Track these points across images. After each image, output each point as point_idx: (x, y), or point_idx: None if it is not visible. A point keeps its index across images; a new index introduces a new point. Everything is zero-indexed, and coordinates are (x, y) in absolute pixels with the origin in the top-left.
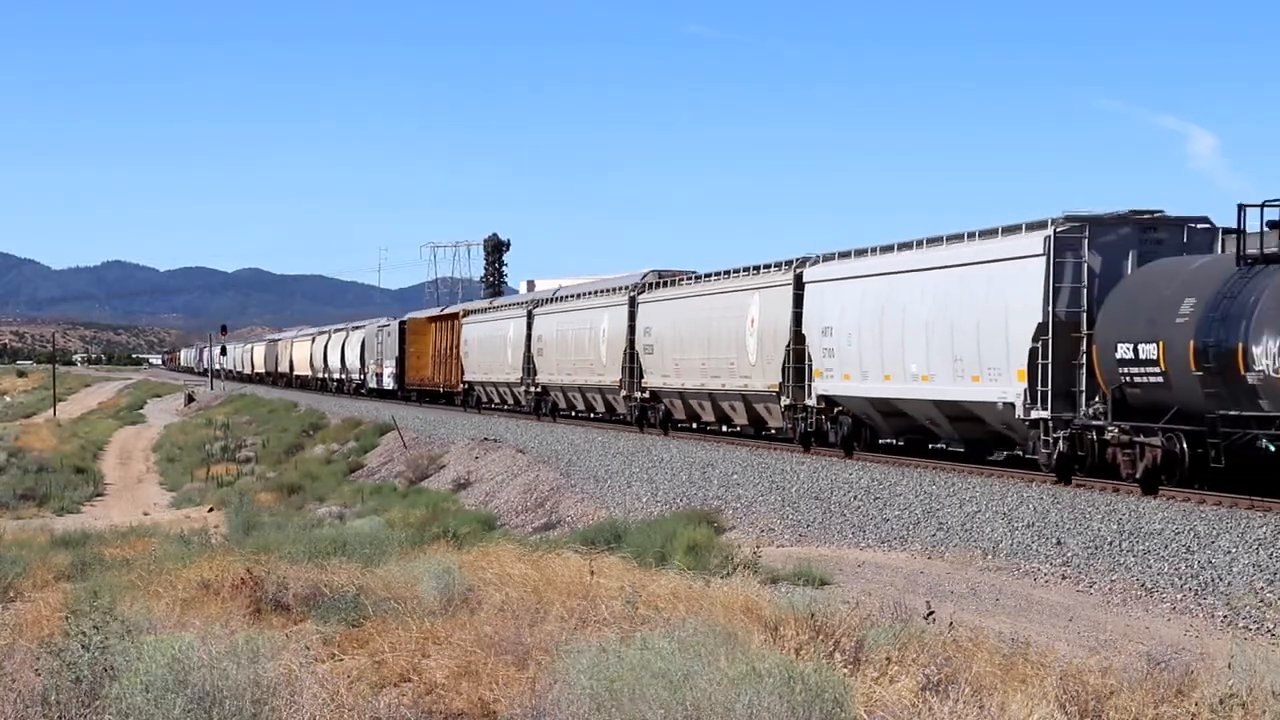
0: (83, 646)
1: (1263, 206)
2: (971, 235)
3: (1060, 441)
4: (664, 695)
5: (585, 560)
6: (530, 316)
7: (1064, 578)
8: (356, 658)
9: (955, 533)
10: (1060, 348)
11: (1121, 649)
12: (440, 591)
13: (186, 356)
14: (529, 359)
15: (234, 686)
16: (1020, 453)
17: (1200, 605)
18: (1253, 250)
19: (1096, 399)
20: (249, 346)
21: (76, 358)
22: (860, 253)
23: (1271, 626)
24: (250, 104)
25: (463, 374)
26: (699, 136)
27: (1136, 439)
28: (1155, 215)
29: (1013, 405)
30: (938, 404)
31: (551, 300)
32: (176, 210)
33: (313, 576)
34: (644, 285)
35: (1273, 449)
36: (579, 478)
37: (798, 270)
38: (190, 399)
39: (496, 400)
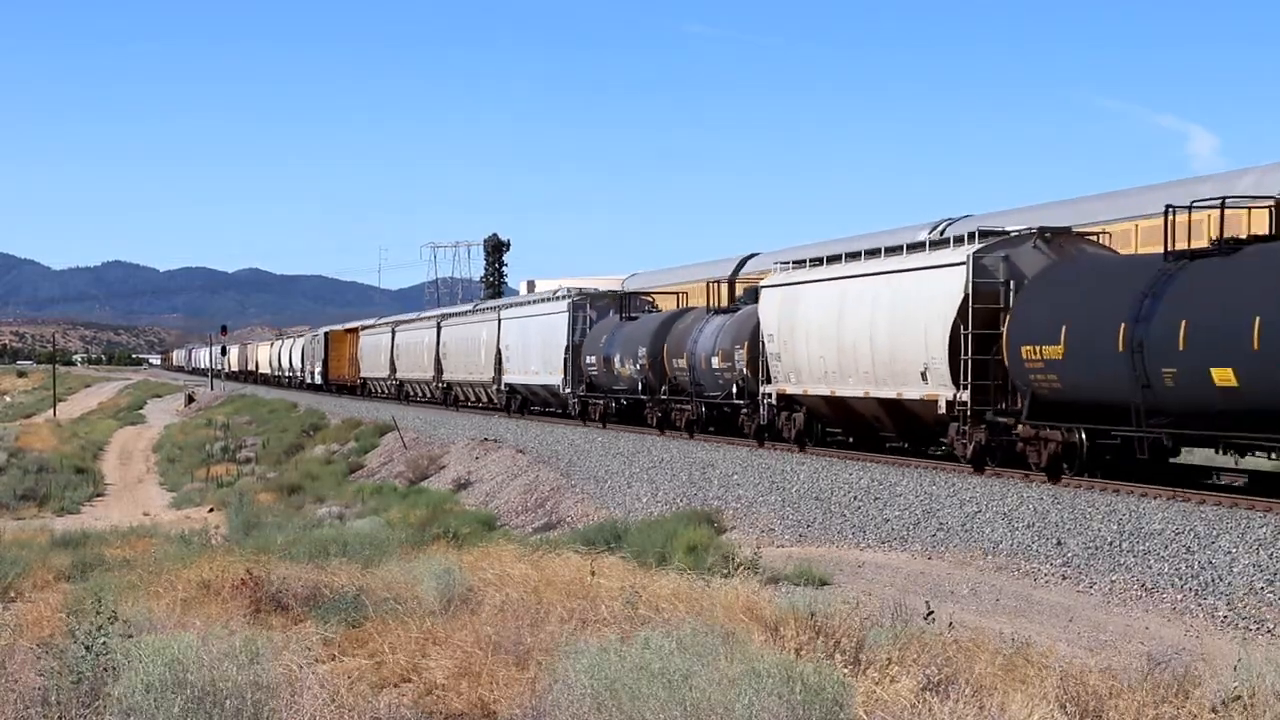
0: (85, 647)
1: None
2: (548, 299)
3: (576, 405)
4: (664, 695)
5: (585, 560)
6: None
7: (1064, 578)
8: (356, 658)
9: (955, 533)
10: (575, 358)
11: (1122, 649)
12: (440, 592)
13: (178, 357)
14: (392, 362)
15: (234, 687)
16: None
17: (1200, 605)
18: (627, 314)
19: (584, 383)
20: (229, 350)
21: (76, 358)
22: (520, 304)
23: (1272, 626)
24: (251, 104)
25: (359, 372)
26: (698, 136)
27: (597, 401)
28: (625, 294)
29: (559, 385)
30: (544, 386)
31: (408, 320)
32: (176, 210)
33: (313, 576)
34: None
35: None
36: (579, 478)
37: (500, 313)
38: (190, 399)
39: (377, 391)
